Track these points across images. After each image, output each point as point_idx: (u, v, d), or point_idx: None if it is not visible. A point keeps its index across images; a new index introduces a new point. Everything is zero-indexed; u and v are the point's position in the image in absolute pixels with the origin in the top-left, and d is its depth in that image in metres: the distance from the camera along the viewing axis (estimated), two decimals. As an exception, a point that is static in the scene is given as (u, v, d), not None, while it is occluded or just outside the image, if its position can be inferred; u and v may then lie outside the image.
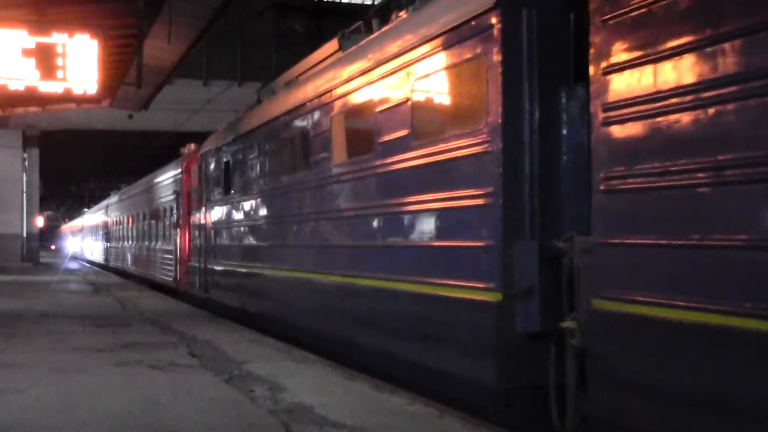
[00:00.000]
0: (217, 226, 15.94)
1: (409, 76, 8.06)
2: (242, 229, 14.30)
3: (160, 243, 25.20)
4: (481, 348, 6.68)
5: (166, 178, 24.57)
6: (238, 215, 14.50)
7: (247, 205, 13.86)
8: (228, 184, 15.09)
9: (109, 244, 42.84)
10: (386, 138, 8.52)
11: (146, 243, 28.36)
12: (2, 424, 6.05)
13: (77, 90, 14.12)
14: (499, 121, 6.53)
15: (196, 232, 17.90)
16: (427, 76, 7.77)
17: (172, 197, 22.99)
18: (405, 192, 8.13)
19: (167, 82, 23.19)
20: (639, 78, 5.16)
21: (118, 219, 38.81)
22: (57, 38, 13.75)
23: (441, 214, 7.48)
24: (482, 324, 6.67)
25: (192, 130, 32.18)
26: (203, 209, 17.01)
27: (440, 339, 7.34)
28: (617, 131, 5.32)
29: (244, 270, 14.05)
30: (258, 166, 13.33)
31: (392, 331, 8.30)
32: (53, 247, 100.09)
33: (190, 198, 19.38)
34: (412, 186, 7.97)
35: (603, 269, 5.40)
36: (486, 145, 6.72)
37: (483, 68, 6.74)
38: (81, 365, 8.79)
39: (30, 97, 17.64)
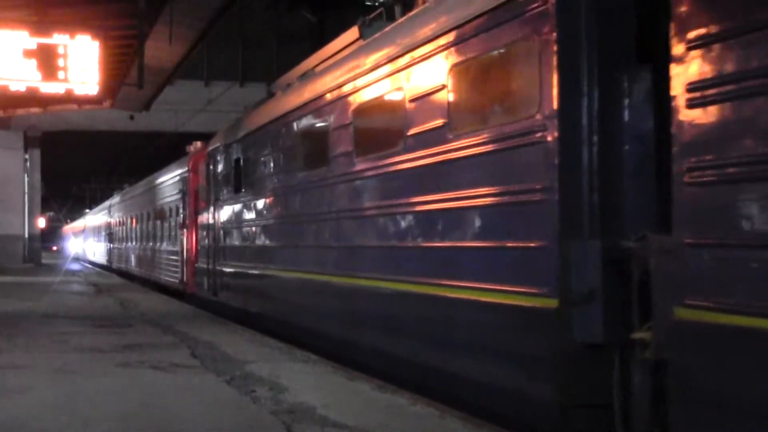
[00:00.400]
0: (227, 226, 15.21)
1: (446, 60, 7.32)
2: (254, 229, 13.69)
3: (165, 244, 24.46)
4: (534, 361, 6.00)
5: (172, 177, 23.84)
6: (249, 215, 13.86)
7: (260, 204, 13.22)
8: (239, 182, 14.36)
9: (111, 245, 41.93)
10: (418, 129, 7.81)
11: (151, 244, 27.60)
12: (4, 425, 6.06)
13: (78, 91, 14.16)
14: (555, 107, 5.84)
15: (204, 233, 17.09)
16: (467, 60, 7.05)
17: (177, 197, 22.25)
18: (439, 188, 7.44)
19: (168, 82, 23.27)
20: (735, 52, 4.44)
21: (121, 219, 37.87)
22: (58, 39, 13.78)
23: (484, 212, 6.78)
24: (535, 334, 5.99)
25: (193, 131, 32.20)
26: (212, 209, 16.24)
27: (486, 350, 6.64)
28: (707, 114, 4.63)
29: (256, 272, 13.37)
30: (272, 162, 12.63)
31: (428, 340, 7.60)
32: (55, 248, 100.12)
33: (197, 197, 18.65)
34: (448, 181, 7.28)
35: (689, 273, 4.70)
36: (539, 134, 6.01)
37: (535, 49, 6.06)
38: (83, 366, 8.79)
39: (31, 98, 17.70)
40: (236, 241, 14.69)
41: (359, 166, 9.27)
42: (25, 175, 37.38)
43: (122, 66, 19.38)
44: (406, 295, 8.07)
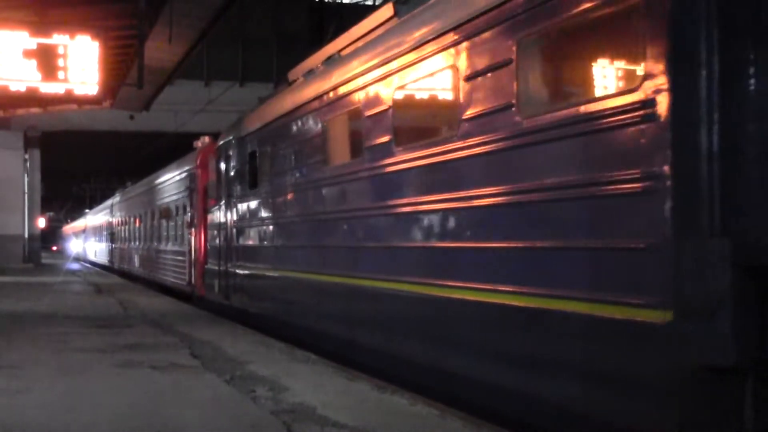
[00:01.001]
0: (241, 224, 14.05)
1: (513, 31, 6.26)
2: (272, 227, 12.52)
3: (171, 244, 23.53)
4: (637, 386, 5.01)
5: (178, 174, 22.86)
6: (266, 212, 12.72)
7: (279, 200, 12.05)
8: (254, 177, 13.23)
9: (113, 245, 40.60)
10: (474, 112, 6.82)
11: (155, 244, 26.59)
12: (4, 425, 6.06)
13: (78, 91, 14.15)
14: (666, 78, 4.87)
15: (215, 232, 15.98)
16: (543, 27, 6.01)
17: (184, 194, 21.33)
18: (507, 179, 6.37)
19: (168, 82, 23.25)
20: None
21: (123, 219, 36.48)
22: (58, 39, 13.77)
23: (569, 207, 5.71)
24: (639, 353, 4.98)
25: (193, 131, 32.21)
26: (223, 206, 15.15)
27: (582, 373, 5.52)
28: None
29: (275, 274, 12.19)
30: (295, 155, 11.36)
31: (499, 357, 6.47)
32: (55, 247, 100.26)
33: (206, 195, 17.84)
34: (519, 170, 6.23)
35: None
36: (647, 111, 4.99)
37: (640, 7, 5.09)
38: (83, 366, 8.79)
39: (31, 98, 17.69)
40: (252, 241, 13.62)
41: (402, 156, 8.13)
42: (25, 175, 37.39)
43: (122, 66, 19.38)
44: (464, 303, 6.94)
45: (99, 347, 10.29)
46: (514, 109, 6.29)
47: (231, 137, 14.86)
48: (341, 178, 9.77)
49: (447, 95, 7.47)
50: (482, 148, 6.72)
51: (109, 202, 44.22)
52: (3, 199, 34.31)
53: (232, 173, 14.68)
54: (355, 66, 9.41)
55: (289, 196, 11.71)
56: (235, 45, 36.45)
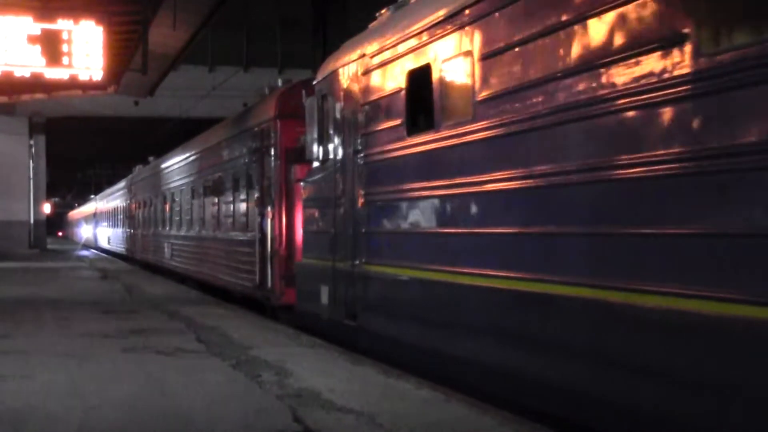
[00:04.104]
0: (389, 197, 8.60)
1: None
2: (485, 199, 6.91)
3: (226, 230, 17.03)
4: None
5: (237, 132, 16.39)
6: (469, 170, 7.04)
7: (512, 144, 6.48)
8: (425, 110, 7.82)
9: (132, 231, 33.77)
10: None
11: (196, 230, 20.07)
12: (10, 410, 6.08)
13: (83, 76, 14.17)
14: None
15: (317, 211, 10.77)
16: None
17: (249, 160, 14.96)
18: None
19: (172, 68, 23.26)
20: None
21: (146, 199, 29.72)
22: (62, 25, 13.78)
23: None
24: None
25: (198, 116, 32.22)
26: (335, 171, 9.87)
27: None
28: None
29: (494, 285, 6.62)
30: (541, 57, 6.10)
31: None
32: (61, 233, 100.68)
33: (290, 157, 13.08)
34: None
35: None
36: None
37: None
38: (88, 351, 8.82)
39: (36, 84, 17.65)
40: (420, 224, 8.04)
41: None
42: (30, 161, 37.43)
43: (126, 51, 19.35)
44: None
45: (105, 332, 10.31)
46: None
47: (352, 58, 9.55)
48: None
49: None
50: None
51: (126, 181, 37.67)
52: (8, 185, 34.37)
53: (360, 116, 9.19)
54: None
55: (557, 137, 5.94)
56: (239, 30, 36.41)
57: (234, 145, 16.41)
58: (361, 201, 9.17)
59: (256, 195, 14.36)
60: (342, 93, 9.77)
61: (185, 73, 32.46)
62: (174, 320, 11.73)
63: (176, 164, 23.79)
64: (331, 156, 10.02)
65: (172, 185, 24.09)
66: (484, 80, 6.82)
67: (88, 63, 13.92)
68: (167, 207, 24.79)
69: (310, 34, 28.02)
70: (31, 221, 37.44)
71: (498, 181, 6.64)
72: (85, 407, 6.18)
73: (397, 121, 8.32)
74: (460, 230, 7.24)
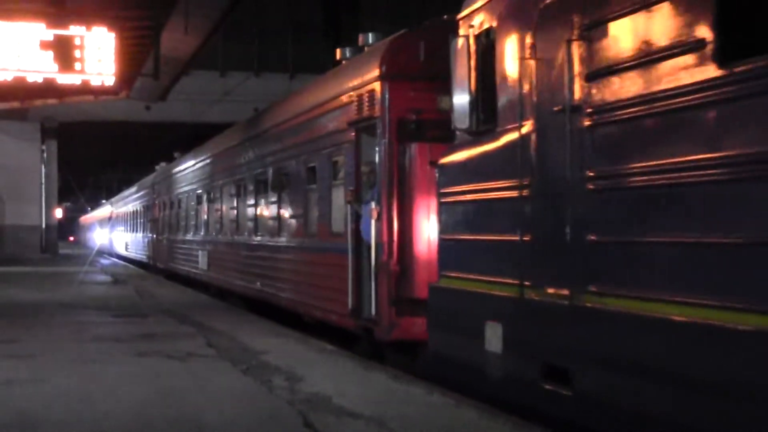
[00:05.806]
0: (662, 178, 4.85)
1: None
2: None
3: (292, 234, 13.11)
4: None
5: (317, 105, 11.95)
6: None
7: None
8: (746, 24, 4.43)
9: (156, 236, 29.07)
10: None
11: (246, 235, 16.04)
12: (22, 414, 6.10)
13: (95, 82, 14.24)
14: None
15: (478, 207, 7.08)
16: None
17: (336, 140, 11.06)
18: None
19: (184, 73, 23.31)
20: None
21: (175, 199, 25.17)
22: (75, 31, 13.85)
23: None
24: None
25: (210, 121, 32.27)
26: (518, 143, 6.28)
27: None
28: None
29: None
30: None
31: None
32: (72, 238, 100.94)
33: (403, 132, 9.38)
34: None
35: None
36: None
37: None
38: (100, 356, 8.84)
39: (48, 90, 17.76)
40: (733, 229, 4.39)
41: None
42: (42, 166, 37.55)
43: (138, 57, 19.42)
44: None
45: (116, 337, 10.34)
46: None
47: None
48: None
49: None
50: None
51: (148, 180, 33.45)
52: (20, 189, 34.49)
53: (580, 49, 5.59)
54: None
55: None
56: (251, 35, 36.46)
57: (308, 124, 12.34)
58: (589, 187, 5.51)
59: (349, 188, 10.34)
60: (529, 19, 6.19)
61: (197, 78, 32.51)
62: (185, 325, 11.75)
63: (216, 156, 19.47)
64: (507, 121, 6.47)
65: (210, 182, 19.94)
66: None
67: (100, 69, 13.98)
68: (202, 208, 20.65)
69: (322, 39, 28.06)
70: (43, 226, 37.56)
71: None
72: (98, 411, 6.21)
73: (691, 43, 4.62)
74: None
